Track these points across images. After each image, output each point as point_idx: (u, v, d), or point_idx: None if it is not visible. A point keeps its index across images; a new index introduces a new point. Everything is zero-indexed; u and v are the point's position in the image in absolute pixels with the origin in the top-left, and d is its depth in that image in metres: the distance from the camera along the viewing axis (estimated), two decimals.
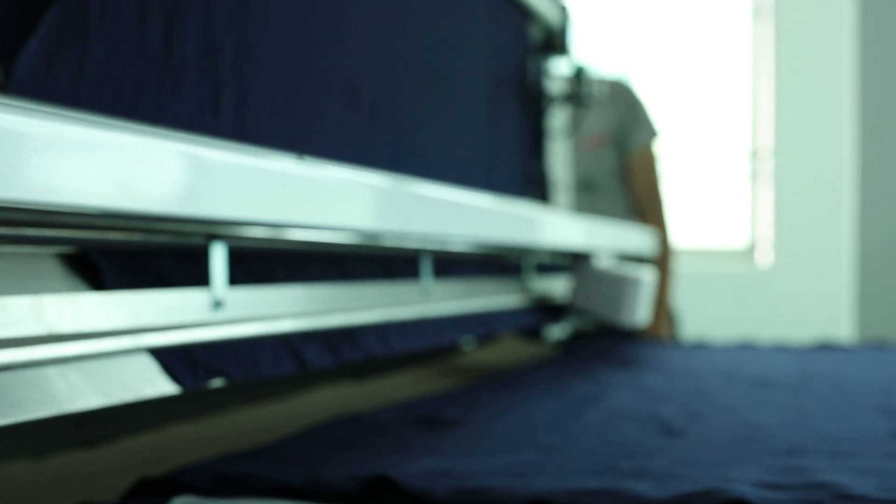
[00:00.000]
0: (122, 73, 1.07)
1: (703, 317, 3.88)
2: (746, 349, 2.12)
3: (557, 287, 2.15)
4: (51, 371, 0.75)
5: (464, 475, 0.87)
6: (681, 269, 3.58)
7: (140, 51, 1.09)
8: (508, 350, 2.18)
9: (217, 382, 0.97)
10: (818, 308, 4.06)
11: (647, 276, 2.06)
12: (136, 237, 0.94)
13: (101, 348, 0.82)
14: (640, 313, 2.06)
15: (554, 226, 1.79)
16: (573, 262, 2.18)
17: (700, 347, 2.16)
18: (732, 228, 4.45)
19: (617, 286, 2.03)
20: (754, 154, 4.37)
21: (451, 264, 1.68)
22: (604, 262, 2.12)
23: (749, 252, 4.36)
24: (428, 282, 1.49)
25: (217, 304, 1.00)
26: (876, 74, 4.00)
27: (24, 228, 0.81)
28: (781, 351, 2.07)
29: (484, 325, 1.65)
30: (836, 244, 4.06)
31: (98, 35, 1.03)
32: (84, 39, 1.00)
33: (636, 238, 2.36)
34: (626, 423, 1.18)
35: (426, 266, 1.50)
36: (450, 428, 1.14)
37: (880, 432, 1.12)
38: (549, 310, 2.04)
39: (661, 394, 1.41)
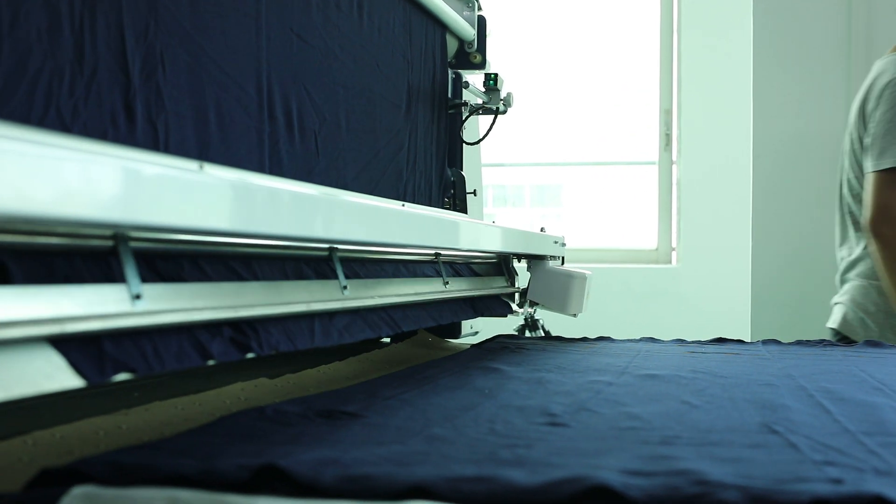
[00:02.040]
0: (33, 83, 1.11)
1: (616, 313, 4.04)
2: (646, 345, 2.21)
3: (472, 286, 2.21)
4: None
5: (351, 464, 0.92)
6: (598, 267, 3.77)
7: (50, 60, 1.13)
8: (424, 346, 2.24)
9: (122, 376, 1.01)
10: (722, 305, 4.22)
11: (589, 274, 2.50)
12: (43, 240, 0.98)
13: (15, 335, 0.87)
14: (583, 305, 2.50)
15: (464, 230, 1.85)
16: (529, 263, 2.53)
17: (602, 344, 2.24)
18: (649, 231, 4.59)
19: (566, 282, 2.48)
20: (662, 161, 4.52)
21: (369, 265, 1.74)
22: (554, 263, 2.54)
23: (660, 252, 4.50)
24: (338, 281, 1.54)
25: (136, 297, 1.05)
26: (769, 94, 4.17)
27: None
28: (678, 347, 2.16)
29: (393, 323, 1.70)
30: (738, 246, 4.22)
31: (7, 44, 1.06)
32: None
33: (539, 242, 2.45)
34: (515, 415, 1.24)
35: (338, 267, 1.55)
36: (349, 420, 1.19)
37: (751, 424, 1.19)
38: (460, 307, 2.10)
39: (555, 388, 1.48)
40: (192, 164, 1.05)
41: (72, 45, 1.17)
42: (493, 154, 4.31)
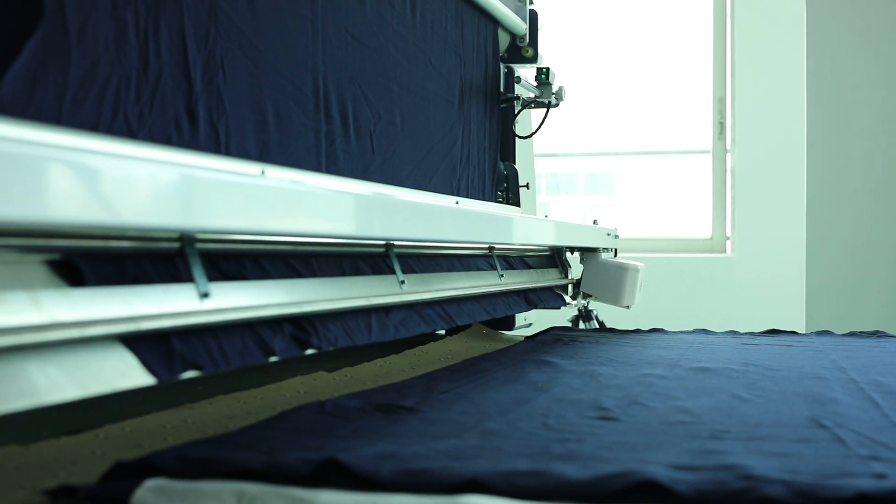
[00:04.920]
0: (101, 91, 1.15)
1: (670, 302, 4.06)
2: (699, 337, 2.22)
3: (526, 279, 2.24)
4: (31, 366, 0.84)
5: (408, 458, 0.96)
6: (651, 257, 3.81)
7: (117, 69, 1.18)
8: (478, 338, 2.27)
9: (190, 374, 1.06)
10: (778, 295, 4.20)
11: (642, 266, 2.53)
12: (115, 244, 1.03)
13: (93, 333, 0.92)
14: (635, 296, 2.52)
15: (516, 225, 1.88)
16: (582, 255, 2.57)
17: (655, 336, 2.25)
18: (703, 220, 4.59)
19: (619, 273, 2.52)
20: (716, 149, 4.51)
21: (424, 261, 1.77)
22: (607, 255, 2.57)
23: (715, 241, 4.49)
24: (395, 276, 1.58)
25: (204, 296, 1.10)
26: (823, 83, 4.17)
27: (12, 238, 0.90)
28: (731, 339, 2.18)
29: (448, 318, 1.73)
30: (794, 235, 4.21)
31: (77, 55, 1.11)
32: (64, 60, 1.09)
33: (592, 235, 2.48)
34: (567, 409, 1.27)
35: (395, 262, 1.59)
36: (406, 414, 1.23)
37: (800, 419, 1.21)
38: (514, 300, 2.13)
39: (607, 382, 1.51)
40: (254, 169, 1.09)
41: (137, 53, 1.21)
42: (546, 144, 4.33)
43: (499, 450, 1.03)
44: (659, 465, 0.93)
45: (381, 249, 1.58)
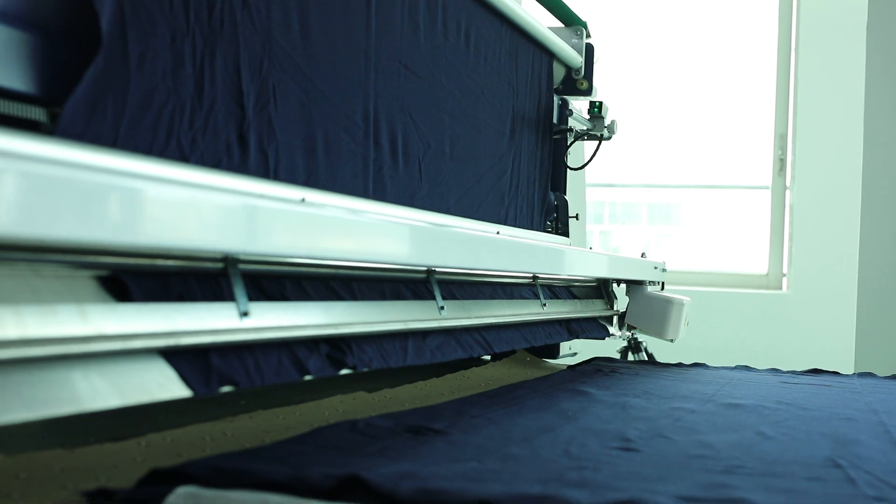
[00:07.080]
0: (157, 117, 1.22)
1: (723, 337, 4.06)
2: (739, 373, 2.23)
3: (569, 309, 2.28)
4: (76, 375, 0.90)
5: (427, 478, 1.00)
6: (707, 291, 3.83)
7: (173, 96, 1.24)
8: (521, 366, 2.31)
9: (226, 389, 1.12)
10: (833, 333, 4.18)
11: (687, 300, 2.54)
12: (161, 262, 1.09)
13: (135, 346, 0.98)
14: (680, 330, 2.54)
15: (555, 256, 1.92)
16: (628, 287, 2.61)
17: (696, 371, 2.27)
18: (760, 256, 4.58)
19: (665, 307, 2.54)
20: (776, 186, 4.50)
21: (466, 287, 1.81)
22: (653, 288, 2.60)
23: (771, 277, 4.48)
24: (435, 302, 1.62)
25: (244, 315, 1.15)
26: (882, 123, 4.16)
27: (65, 255, 0.96)
28: (771, 376, 2.19)
29: (486, 344, 1.77)
30: (850, 274, 4.19)
31: (136, 83, 1.17)
32: (123, 87, 1.15)
33: (637, 268, 2.50)
34: (591, 438, 1.31)
35: (435, 288, 1.64)
36: (433, 436, 1.27)
37: (817, 458, 1.23)
38: (555, 329, 2.17)
39: (637, 414, 1.54)
40: (295, 195, 1.14)
41: (193, 81, 1.27)
42: (604, 174, 4.36)
43: (515, 474, 1.07)
44: (665, 496, 0.96)
45: (423, 275, 1.63)
